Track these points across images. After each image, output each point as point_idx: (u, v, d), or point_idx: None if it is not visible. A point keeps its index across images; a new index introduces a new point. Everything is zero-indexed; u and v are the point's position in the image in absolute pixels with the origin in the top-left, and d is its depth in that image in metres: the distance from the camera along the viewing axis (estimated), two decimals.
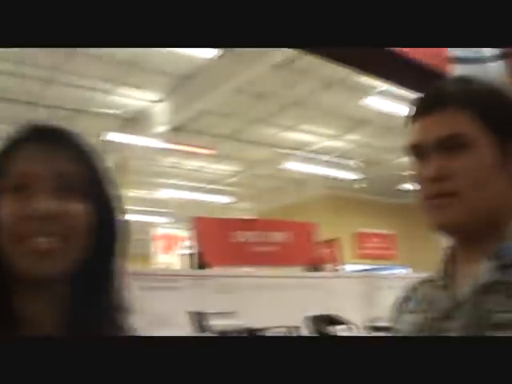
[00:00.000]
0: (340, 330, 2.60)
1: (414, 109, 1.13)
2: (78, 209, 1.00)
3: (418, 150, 1.11)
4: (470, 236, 1.07)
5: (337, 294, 2.87)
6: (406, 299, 1.23)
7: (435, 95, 1.11)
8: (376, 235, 16.59)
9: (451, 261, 1.13)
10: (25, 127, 1.05)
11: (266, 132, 12.72)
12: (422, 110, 1.11)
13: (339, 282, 2.97)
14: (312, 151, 13.59)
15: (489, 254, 1.03)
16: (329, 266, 4.11)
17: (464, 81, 1.13)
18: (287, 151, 13.52)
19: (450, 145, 1.05)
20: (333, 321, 2.62)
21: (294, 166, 14.00)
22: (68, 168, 1.01)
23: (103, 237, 1.04)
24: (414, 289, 1.23)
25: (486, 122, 1.05)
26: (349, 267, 12.24)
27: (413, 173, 1.13)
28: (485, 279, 1.01)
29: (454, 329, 1.00)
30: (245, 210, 19.11)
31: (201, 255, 2.45)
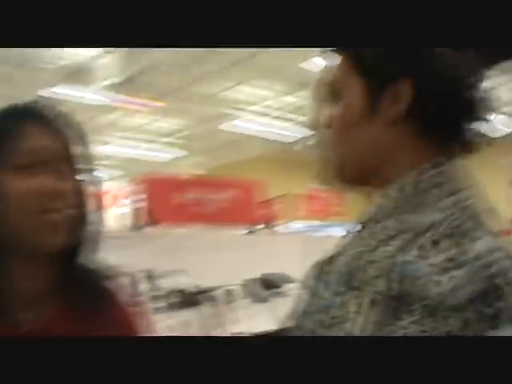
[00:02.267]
0: (278, 293, 2.60)
1: None
2: (79, 185, 1.09)
3: None
4: (364, 182, 1.04)
5: (279, 253, 2.87)
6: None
7: None
8: (324, 193, 16.74)
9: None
10: (12, 106, 1.11)
11: (214, 89, 12.59)
12: None
13: (283, 241, 2.98)
14: (262, 109, 13.54)
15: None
16: (276, 224, 4.11)
17: None
18: (236, 109, 13.44)
19: (332, 92, 1.04)
20: (270, 283, 2.62)
21: (243, 123, 13.95)
22: (69, 145, 1.09)
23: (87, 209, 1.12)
24: None
25: (358, 69, 1.00)
26: (297, 225, 12.33)
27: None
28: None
29: (331, 272, 0.95)
30: (193, 166, 19.01)
31: (150, 212, 2.42)
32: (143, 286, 1.92)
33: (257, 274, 2.36)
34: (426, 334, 0.77)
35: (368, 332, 0.82)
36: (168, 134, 15.87)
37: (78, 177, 1.10)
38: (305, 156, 15.95)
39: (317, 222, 14.54)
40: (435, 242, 0.83)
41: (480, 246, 0.82)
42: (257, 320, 1.65)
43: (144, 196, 3.02)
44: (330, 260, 0.99)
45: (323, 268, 1.00)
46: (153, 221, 2.29)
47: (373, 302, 0.82)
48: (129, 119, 14.10)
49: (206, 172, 17.83)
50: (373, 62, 0.98)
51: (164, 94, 12.18)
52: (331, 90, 1.04)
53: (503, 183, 17.18)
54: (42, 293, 1.09)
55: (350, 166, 1.02)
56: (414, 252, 0.83)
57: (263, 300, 2.22)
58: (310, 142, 14.80)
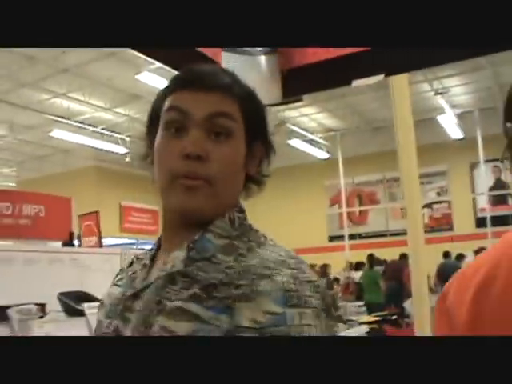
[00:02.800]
0: (91, 307, 2.58)
1: (174, 81, 1.06)
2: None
3: (176, 120, 1.01)
4: (191, 221, 1.04)
5: (92, 269, 2.84)
6: (122, 271, 1.19)
7: (201, 73, 1.05)
8: (140, 210, 16.71)
9: (164, 240, 1.10)
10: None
11: (35, 97, 12.14)
12: (185, 82, 1.04)
13: (95, 257, 2.95)
14: (82, 121, 13.26)
15: (188, 243, 1.02)
16: (87, 240, 4.04)
17: (228, 73, 1.10)
18: (56, 119, 13.03)
19: (214, 125, 1.00)
20: (83, 297, 2.60)
21: (62, 134, 13.54)
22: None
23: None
24: (132, 262, 1.18)
25: (244, 118, 1.05)
26: (112, 240, 12.13)
27: (159, 147, 1.04)
28: (170, 269, 1.01)
29: (135, 310, 1.01)
30: (6, 177, 18.08)
31: None
32: None
33: (71, 287, 2.32)
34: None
35: None
36: None
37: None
38: (127, 171, 15.88)
39: (132, 239, 14.46)
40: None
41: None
42: (72, 332, 1.62)
43: None
44: (132, 298, 1.03)
45: (125, 305, 1.04)
46: None
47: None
48: None
49: (21, 184, 17.04)
50: (256, 122, 1.08)
51: None
52: (217, 120, 1.01)
53: (325, 203, 18.29)
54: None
55: (218, 209, 1.03)
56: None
57: (79, 313, 2.17)
58: (130, 159, 14.74)
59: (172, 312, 0.95)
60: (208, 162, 0.99)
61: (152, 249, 1.13)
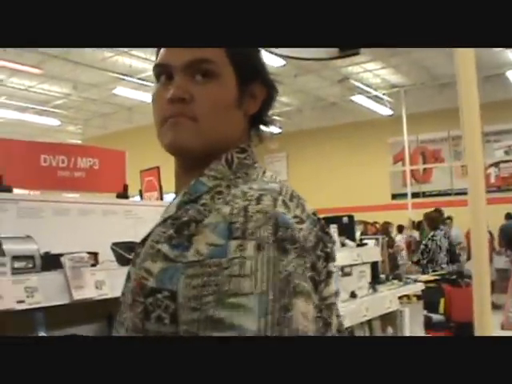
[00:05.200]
0: None
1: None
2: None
3: (162, 72, 1.11)
4: (190, 164, 1.10)
5: (145, 221, 2.87)
6: None
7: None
8: None
9: (175, 191, 1.15)
10: None
11: (98, 55, 12.30)
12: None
13: (148, 209, 2.99)
14: (144, 78, 13.37)
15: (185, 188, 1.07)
16: (149, 195, 4.10)
17: None
18: (119, 76, 13.19)
19: (197, 70, 1.07)
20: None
21: (125, 92, 13.72)
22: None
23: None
24: None
25: (232, 60, 1.10)
26: (173, 196, 12.30)
27: (152, 97, 1.13)
28: (168, 213, 1.07)
29: (139, 255, 1.07)
30: (73, 134, 18.52)
31: None
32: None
33: (125, 238, 2.37)
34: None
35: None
36: (51, 100, 15.36)
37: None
38: None
39: None
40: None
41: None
42: (121, 280, 1.67)
43: None
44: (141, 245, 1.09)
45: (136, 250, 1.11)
46: (3, 186, 2.18)
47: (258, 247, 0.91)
48: (12, 80, 13.51)
49: (87, 141, 17.41)
50: (247, 62, 1.13)
51: (49, 56, 11.78)
52: (198, 66, 1.07)
53: (388, 160, 18.00)
54: None
55: (205, 146, 1.07)
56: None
57: (130, 262, 2.23)
58: None
59: (153, 255, 1.01)
60: (192, 103, 1.06)
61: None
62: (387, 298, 4.02)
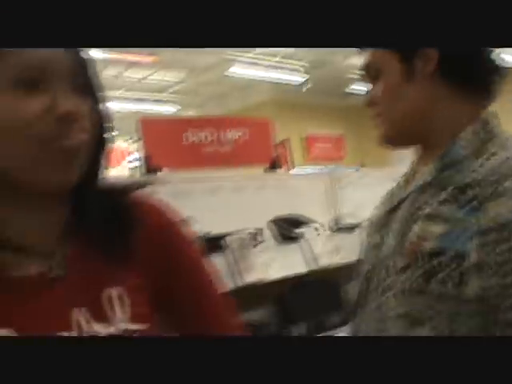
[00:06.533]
0: (305, 231, 2.47)
1: None
2: (87, 109, 0.90)
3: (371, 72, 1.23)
4: (417, 142, 1.23)
5: (299, 194, 2.76)
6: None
7: None
8: (323, 139, 16.53)
9: (416, 162, 1.26)
10: None
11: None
12: None
13: (299, 181, 2.85)
14: (256, 54, 13.26)
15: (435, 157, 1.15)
16: (284, 167, 3.95)
17: None
18: (231, 56, 13.15)
19: (370, 74, 1.21)
20: (297, 222, 2.49)
21: (238, 70, 13.67)
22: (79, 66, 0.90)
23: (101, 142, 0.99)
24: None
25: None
26: (298, 171, 12.24)
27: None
28: (422, 179, 1.13)
29: (391, 224, 1.14)
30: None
31: (147, 159, 2.23)
32: None
33: (281, 213, 2.26)
34: None
35: None
36: (166, 87, 15.64)
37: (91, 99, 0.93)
38: (306, 101, 15.77)
39: (321, 166, 14.37)
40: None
41: None
42: (288, 261, 1.54)
43: (143, 141, 2.76)
44: (388, 214, 1.19)
45: (382, 221, 1.20)
46: (151, 167, 2.10)
47: None
48: (128, 73, 13.85)
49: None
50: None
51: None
52: (369, 72, 1.21)
53: None
54: (54, 240, 0.90)
55: (399, 128, 1.19)
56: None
57: (293, 239, 2.10)
58: (310, 86, 14.58)
59: (424, 219, 1.04)
60: (376, 104, 1.24)
61: (406, 172, 1.28)
62: None
